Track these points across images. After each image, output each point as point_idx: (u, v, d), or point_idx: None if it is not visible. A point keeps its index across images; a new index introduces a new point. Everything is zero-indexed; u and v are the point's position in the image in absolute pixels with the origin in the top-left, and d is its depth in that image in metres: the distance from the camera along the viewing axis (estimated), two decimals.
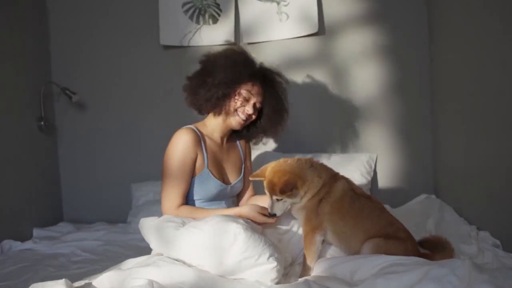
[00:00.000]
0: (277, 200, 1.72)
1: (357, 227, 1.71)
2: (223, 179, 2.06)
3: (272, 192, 1.71)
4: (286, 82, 2.14)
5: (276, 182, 1.69)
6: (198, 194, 2.00)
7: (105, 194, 3.08)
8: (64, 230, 2.74)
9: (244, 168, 2.19)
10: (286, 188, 1.67)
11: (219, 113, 2.02)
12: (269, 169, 1.76)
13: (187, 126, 2.01)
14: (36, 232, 2.68)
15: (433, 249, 1.72)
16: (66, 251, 2.32)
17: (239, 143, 2.21)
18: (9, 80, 2.70)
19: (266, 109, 2.09)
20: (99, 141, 3.09)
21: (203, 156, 1.99)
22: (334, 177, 1.81)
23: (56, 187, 3.12)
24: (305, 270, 1.73)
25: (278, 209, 1.74)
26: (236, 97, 1.99)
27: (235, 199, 2.22)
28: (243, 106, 2.00)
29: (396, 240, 1.66)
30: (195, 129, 2.01)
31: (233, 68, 1.96)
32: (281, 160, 1.79)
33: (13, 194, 2.67)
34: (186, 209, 1.91)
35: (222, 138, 2.11)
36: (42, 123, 2.91)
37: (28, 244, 2.45)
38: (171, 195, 1.92)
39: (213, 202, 2.03)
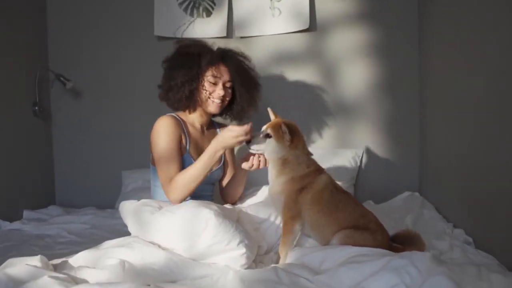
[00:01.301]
0: (266, 135, 1.79)
1: (332, 218, 1.76)
2: None
3: (269, 125, 1.81)
4: (249, 60, 2.23)
5: (280, 121, 1.79)
6: None
7: (97, 180, 3.14)
8: (54, 213, 2.79)
9: (224, 156, 2.24)
10: (285, 124, 1.74)
11: (195, 109, 2.13)
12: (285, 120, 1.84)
13: (168, 114, 2.09)
14: (26, 213, 2.73)
15: (404, 243, 1.77)
16: (53, 233, 2.37)
17: (220, 132, 2.26)
18: (6, 64, 2.75)
19: (237, 85, 2.16)
20: (93, 128, 3.15)
21: (185, 140, 2.07)
22: (319, 170, 1.86)
23: (49, 171, 3.18)
24: (283, 259, 1.77)
25: (257, 140, 1.81)
26: (204, 87, 2.07)
27: (215, 186, 2.28)
28: (213, 91, 2.08)
29: (365, 230, 1.71)
30: (176, 116, 2.09)
31: (189, 63, 2.06)
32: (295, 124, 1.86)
33: (6, 177, 2.73)
34: (178, 175, 1.97)
35: (202, 127, 2.18)
36: (37, 108, 2.96)
37: (16, 225, 2.50)
38: (168, 173, 1.98)
39: None
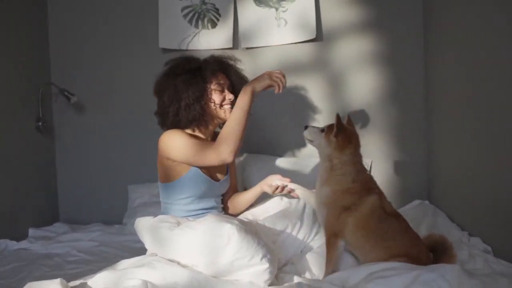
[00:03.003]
0: (322, 130, 1.89)
1: (379, 245, 1.72)
2: (211, 175, 2.08)
3: (331, 124, 1.86)
4: (235, 60, 2.21)
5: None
6: (187, 192, 2.01)
7: (102, 195, 3.09)
8: (60, 230, 2.74)
9: (229, 167, 2.22)
10: (339, 125, 1.81)
11: (207, 126, 2.08)
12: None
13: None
14: (31, 232, 2.67)
15: (432, 249, 1.75)
16: (61, 251, 2.33)
17: None
18: (9, 80, 2.72)
19: (236, 86, 2.15)
20: (97, 143, 3.10)
21: None
22: (368, 190, 1.81)
23: (53, 188, 3.12)
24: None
25: (313, 130, 1.95)
26: (211, 99, 2.04)
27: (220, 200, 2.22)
28: (222, 99, 2.06)
29: (419, 262, 1.65)
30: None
31: (194, 79, 2.01)
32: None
33: (10, 194, 2.68)
34: (220, 131, 1.96)
35: (206, 139, 2.14)
36: (40, 123, 2.92)
37: (23, 244, 2.45)
38: (211, 149, 1.94)
39: (203, 200, 2.05)
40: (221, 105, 2.06)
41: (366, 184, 1.83)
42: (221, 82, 2.08)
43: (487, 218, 1.99)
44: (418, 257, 1.68)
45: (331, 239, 1.75)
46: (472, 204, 2.15)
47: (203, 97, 2.02)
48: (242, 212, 2.18)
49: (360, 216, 1.73)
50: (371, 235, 1.73)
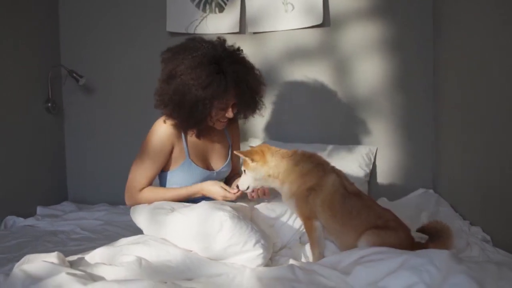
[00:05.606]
0: (244, 172, 1.84)
1: (347, 224, 1.74)
2: (207, 166, 2.10)
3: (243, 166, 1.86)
4: (254, 69, 2.06)
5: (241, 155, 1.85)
6: (184, 183, 2.03)
7: (109, 176, 3.14)
8: (67, 209, 2.81)
9: (231, 152, 2.21)
10: (245, 155, 1.80)
11: (199, 135, 2.06)
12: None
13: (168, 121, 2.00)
14: (39, 210, 2.74)
15: (431, 234, 1.74)
16: (66, 229, 2.38)
17: (226, 129, 2.21)
18: (19, 62, 2.77)
19: (243, 103, 2.04)
20: (105, 124, 3.16)
21: (184, 147, 2.03)
22: (323, 167, 1.83)
23: (62, 168, 3.19)
24: (314, 259, 1.75)
25: (242, 182, 1.85)
26: (211, 117, 1.98)
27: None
28: (223, 114, 2.00)
29: (387, 229, 1.68)
30: (175, 123, 1.99)
31: (200, 106, 1.90)
32: (265, 144, 1.91)
33: (20, 173, 2.75)
34: (148, 190, 1.99)
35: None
36: (49, 104, 2.98)
37: (30, 221, 2.51)
38: (138, 177, 2.00)
39: None
40: (218, 120, 2.02)
41: (315, 162, 1.83)
42: (229, 101, 1.96)
43: (488, 208, 1.97)
44: (386, 225, 1.69)
45: (307, 222, 1.77)
46: (474, 194, 2.13)
47: (202, 117, 1.95)
48: None
49: (325, 196, 1.75)
50: (338, 215, 1.75)
